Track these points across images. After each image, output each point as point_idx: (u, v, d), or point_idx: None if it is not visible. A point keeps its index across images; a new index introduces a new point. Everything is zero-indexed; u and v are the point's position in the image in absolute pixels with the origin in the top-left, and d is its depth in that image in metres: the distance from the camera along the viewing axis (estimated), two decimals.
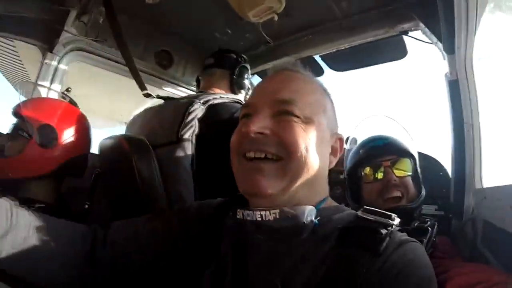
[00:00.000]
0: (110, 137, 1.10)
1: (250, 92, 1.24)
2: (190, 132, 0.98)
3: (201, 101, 1.04)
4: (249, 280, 0.52)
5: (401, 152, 1.03)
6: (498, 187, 0.91)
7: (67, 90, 1.31)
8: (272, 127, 0.54)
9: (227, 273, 0.54)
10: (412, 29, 1.24)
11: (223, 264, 0.56)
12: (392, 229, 0.48)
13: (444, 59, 1.14)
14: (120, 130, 2.57)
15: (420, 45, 1.24)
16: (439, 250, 0.92)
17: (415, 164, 1.04)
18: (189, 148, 0.97)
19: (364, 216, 0.52)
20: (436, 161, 1.33)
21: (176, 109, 1.04)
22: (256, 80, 1.80)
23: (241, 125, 0.57)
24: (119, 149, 0.98)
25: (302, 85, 0.59)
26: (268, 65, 1.71)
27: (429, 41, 1.19)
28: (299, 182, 0.53)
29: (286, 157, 0.52)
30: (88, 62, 1.52)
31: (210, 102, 1.06)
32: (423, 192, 1.01)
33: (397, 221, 0.50)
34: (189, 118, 0.99)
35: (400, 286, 0.42)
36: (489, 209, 0.93)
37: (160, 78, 1.76)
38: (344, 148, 0.77)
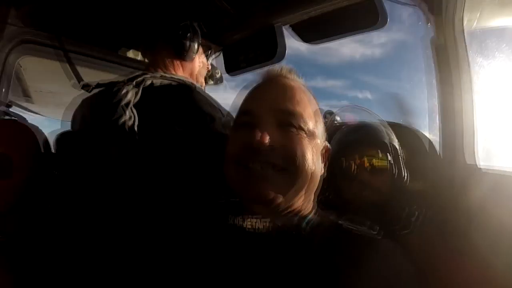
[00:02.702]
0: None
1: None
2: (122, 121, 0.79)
3: (134, 83, 0.86)
4: None
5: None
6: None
7: (8, 105, 1.20)
8: (278, 139, 0.54)
9: None
10: None
11: None
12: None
13: (429, 23, 1.02)
14: None
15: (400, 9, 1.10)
16: None
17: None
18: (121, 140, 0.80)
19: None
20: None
21: (106, 95, 0.85)
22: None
23: (242, 135, 0.56)
24: None
25: (303, 96, 0.59)
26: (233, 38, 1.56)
27: (412, 2, 1.05)
28: (302, 192, 0.56)
29: (293, 170, 0.54)
30: (40, 56, 1.34)
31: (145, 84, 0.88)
32: None
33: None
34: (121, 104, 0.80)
35: None
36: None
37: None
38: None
